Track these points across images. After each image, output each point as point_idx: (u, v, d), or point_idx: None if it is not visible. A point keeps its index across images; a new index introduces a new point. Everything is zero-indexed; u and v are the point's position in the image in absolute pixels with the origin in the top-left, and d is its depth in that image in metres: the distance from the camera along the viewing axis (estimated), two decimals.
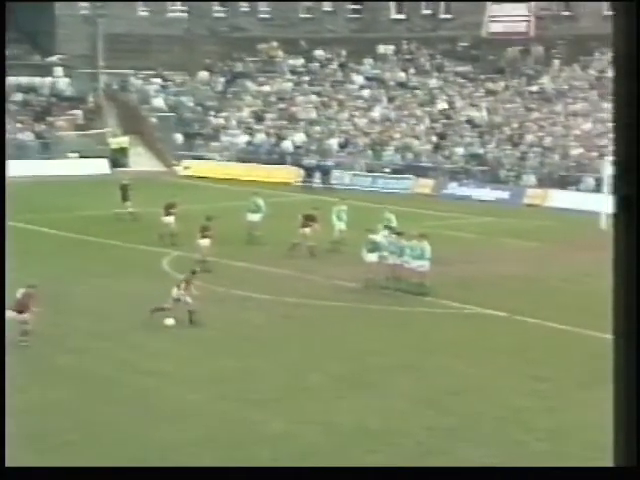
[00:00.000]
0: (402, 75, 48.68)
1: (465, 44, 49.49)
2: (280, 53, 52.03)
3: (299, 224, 25.76)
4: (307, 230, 25.62)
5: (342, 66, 50.11)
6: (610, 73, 43.96)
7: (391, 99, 47.18)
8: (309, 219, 25.81)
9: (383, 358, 17.15)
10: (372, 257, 22.37)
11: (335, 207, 27.36)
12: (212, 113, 49.06)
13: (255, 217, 27.60)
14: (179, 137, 47.83)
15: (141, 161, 46.00)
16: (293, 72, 50.97)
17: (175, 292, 19.08)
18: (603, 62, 45.20)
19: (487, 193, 38.38)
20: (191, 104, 49.83)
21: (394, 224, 24.42)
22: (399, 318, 20.08)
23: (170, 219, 27.13)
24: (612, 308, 2.94)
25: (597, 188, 35.35)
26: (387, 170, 41.81)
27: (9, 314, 16.76)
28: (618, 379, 2.94)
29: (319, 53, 51.27)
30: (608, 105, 42.15)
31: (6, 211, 7.53)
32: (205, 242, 24.17)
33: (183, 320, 18.89)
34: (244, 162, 45.01)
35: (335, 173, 41.73)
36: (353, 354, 17.47)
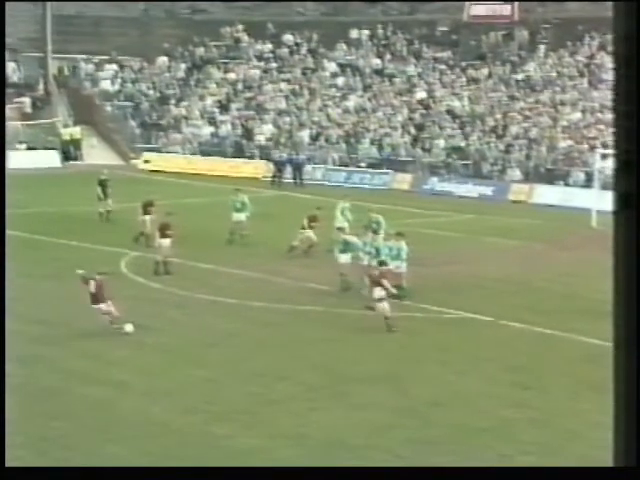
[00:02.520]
0: (377, 62, 48.86)
1: (445, 28, 49.79)
2: (246, 37, 51.98)
3: (304, 225, 25.47)
4: (311, 233, 25.38)
5: (313, 52, 50.20)
6: (600, 59, 44.47)
7: (366, 87, 47.36)
8: (313, 220, 25.64)
9: (360, 366, 17.25)
10: (345, 258, 22.49)
11: (339, 205, 27.24)
12: (172, 102, 48.92)
13: (241, 216, 27.53)
14: (136, 128, 47.66)
15: (95, 154, 45.75)
16: (260, 58, 50.95)
17: None
18: (592, 47, 45.68)
19: (469, 189, 38.65)
20: (149, 92, 49.66)
21: (382, 227, 24.26)
22: (377, 323, 20.20)
23: (147, 218, 26.88)
24: (612, 309, 3.06)
25: (587, 183, 35.77)
26: (363, 164, 41.98)
27: (96, 307, 17.80)
28: (618, 379, 3.07)
29: (288, 38, 51.32)
30: (598, 94, 42.66)
31: (6, 211, 7.84)
32: (166, 242, 24.10)
33: (142, 326, 18.86)
34: (208, 155, 44.96)
35: (306, 167, 41.83)
36: (327, 362, 17.54)
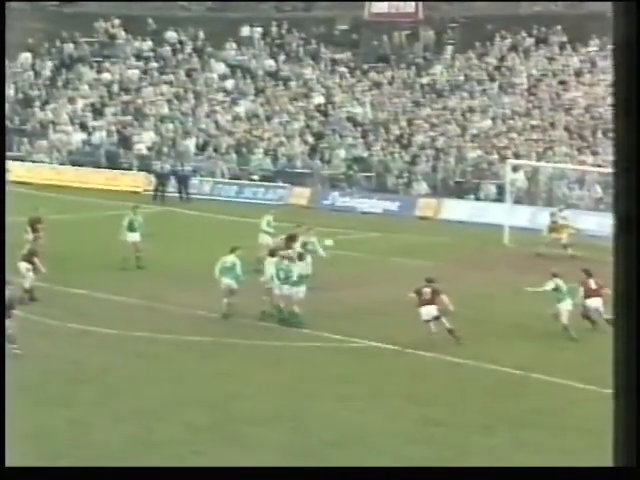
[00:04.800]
0: (271, 63, 49.09)
1: (344, 27, 50.39)
2: (123, 34, 51.52)
3: (280, 246, 24.31)
4: (290, 252, 23.83)
5: (199, 51, 50.10)
6: (511, 61, 45.73)
7: (259, 92, 47.51)
8: (291, 240, 24.44)
9: (252, 404, 17.22)
10: (229, 282, 22.44)
11: (264, 218, 27.28)
12: (37, 105, 48.06)
13: (135, 236, 27.37)
14: None
15: None
16: (139, 57, 50.57)
17: None
18: (503, 49, 46.92)
19: (373, 204, 39.12)
20: (10, 93, 48.64)
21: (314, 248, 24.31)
22: (272, 355, 20.19)
23: (34, 236, 26.25)
24: (613, 334, 3.37)
25: (499, 196, 36.63)
26: (255, 177, 42.05)
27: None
28: (618, 379, 3.32)
29: (171, 35, 51.08)
30: (509, 99, 43.82)
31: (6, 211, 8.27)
32: (28, 265, 23.60)
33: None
34: (79, 166, 44.28)
35: (193, 181, 41.63)
36: (215, 399, 17.45)
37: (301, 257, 23.19)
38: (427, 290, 21.42)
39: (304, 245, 24.86)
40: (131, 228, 27.48)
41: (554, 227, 30.95)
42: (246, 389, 18.03)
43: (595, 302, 22.25)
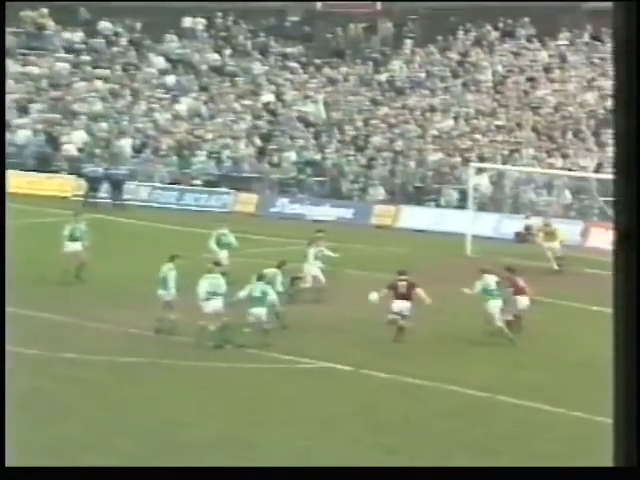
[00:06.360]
0: (216, 57, 49.08)
1: (295, 19, 50.54)
2: (52, 24, 51.23)
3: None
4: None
5: (136, 44, 49.94)
6: (475, 56, 46.15)
7: (202, 88, 47.45)
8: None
9: (192, 432, 17.18)
10: (166, 295, 22.53)
11: (215, 232, 27.31)
12: None
13: (77, 246, 27.29)
14: None
15: None
16: (70, 50, 50.28)
17: None
18: (466, 43, 47.34)
19: (326, 211, 39.19)
20: None
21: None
22: (214, 378, 20.15)
23: None
24: (613, 346, 3.67)
25: (461, 203, 36.90)
26: (198, 182, 41.94)
27: None
28: (618, 380, 3.60)
29: (105, 25, 50.88)
30: (473, 97, 44.20)
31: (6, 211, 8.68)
32: None
33: None
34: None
35: (128, 185, 41.42)
36: (151, 427, 17.38)
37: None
38: (403, 284, 21.70)
39: (315, 255, 26.22)
40: (72, 237, 27.35)
41: (548, 232, 30.37)
42: (186, 415, 17.99)
43: (524, 301, 22.63)
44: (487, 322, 22.46)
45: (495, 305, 22.31)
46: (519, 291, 22.84)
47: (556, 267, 29.49)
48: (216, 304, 21.73)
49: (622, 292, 3.53)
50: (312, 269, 26.36)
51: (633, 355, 3.57)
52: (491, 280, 22.68)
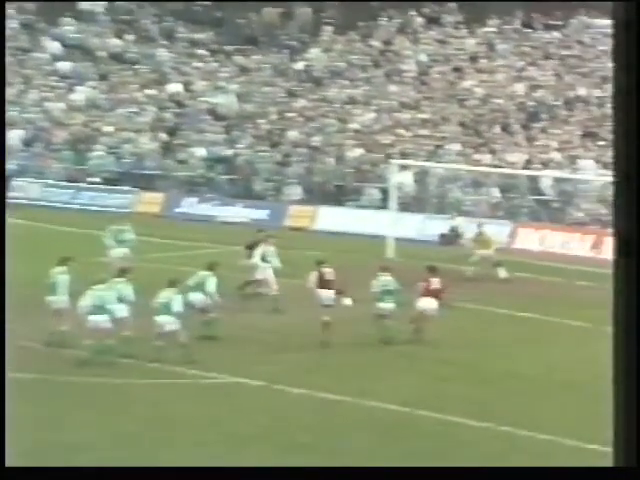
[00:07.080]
0: (117, 43, 48.72)
1: (205, 2, 50.38)
2: None
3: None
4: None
5: (28, 27, 49.36)
6: (398, 45, 46.41)
7: (101, 77, 47.06)
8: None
9: (88, 454, 16.92)
10: (56, 303, 22.46)
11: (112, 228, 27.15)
12: None
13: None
14: None
15: None
16: None
17: None
18: (389, 30, 47.61)
19: (237, 212, 39.12)
20: None
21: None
22: (112, 395, 19.90)
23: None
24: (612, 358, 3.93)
25: (383, 203, 37.07)
26: (96, 179, 41.57)
27: None
28: (618, 380, 3.84)
29: None
30: (396, 88, 44.45)
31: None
32: None
33: None
34: None
35: (17, 182, 40.81)
36: (42, 451, 17.07)
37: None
38: (330, 270, 22.59)
39: (263, 256, 26.16)
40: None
41: (481, 240, 30.74)
42: (80, 436, 17.74)
43: (427, 303, 22.92)
44: (377, 320, 22.92)
45: (386, 306, 22.79)
46: (429, 293, 23.08)
47: (503, 275, 29.78)
48: (100, 319, 21.34)
49: (622, 303, 3.78)
50: (266, 272, 26.23)
51: (633, 355, 3.84)
52: (391, 278, 23.08)
